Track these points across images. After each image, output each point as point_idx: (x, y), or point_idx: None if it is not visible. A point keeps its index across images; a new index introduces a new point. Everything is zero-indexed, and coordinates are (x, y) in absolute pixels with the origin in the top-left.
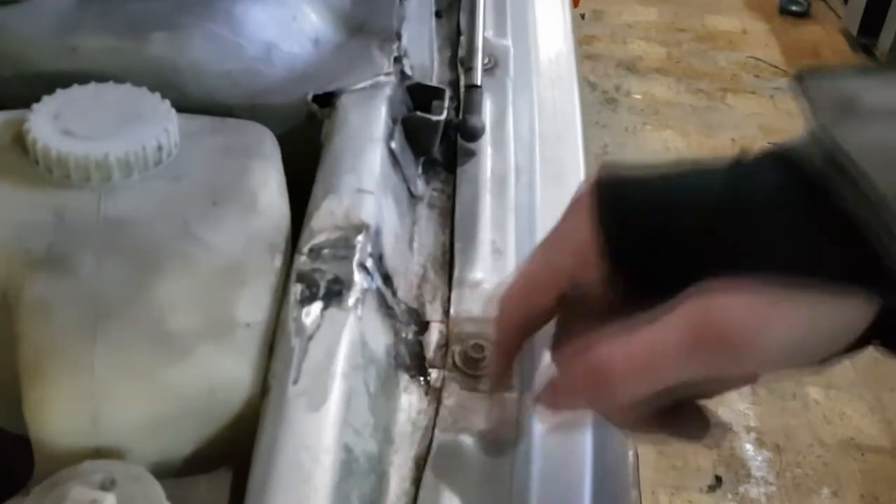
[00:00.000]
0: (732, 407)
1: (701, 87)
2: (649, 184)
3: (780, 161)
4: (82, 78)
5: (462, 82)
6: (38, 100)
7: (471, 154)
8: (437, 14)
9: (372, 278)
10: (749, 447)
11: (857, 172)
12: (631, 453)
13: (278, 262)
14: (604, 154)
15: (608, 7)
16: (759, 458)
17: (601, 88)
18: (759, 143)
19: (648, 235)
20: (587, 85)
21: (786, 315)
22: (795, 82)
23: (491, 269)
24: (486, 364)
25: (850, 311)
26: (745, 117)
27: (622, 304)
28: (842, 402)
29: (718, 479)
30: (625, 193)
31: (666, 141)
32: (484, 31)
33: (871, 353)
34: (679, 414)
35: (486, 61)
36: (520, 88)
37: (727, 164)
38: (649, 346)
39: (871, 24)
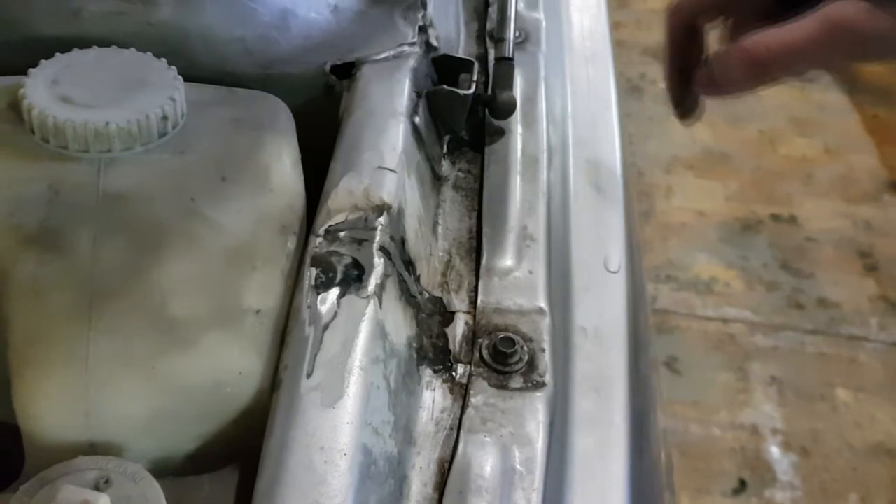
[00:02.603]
0: (758, 408)
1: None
2: None
3: None
4: (85, 43)
5: (491, 56)
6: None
7: (500, 133)
8: None
9: (393, 263)
10: (775, 450)
11: None
12: (664, 455)
13: (292, 244)
14: (628, 144)
15: None
16: (786, 462)
17: (625, 76)
18: (788, 134)
19: None
20: None
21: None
22: None
23: (521, 257)
24: (517, 359)
25: None
26: (774, 108)
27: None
28: (872, 406)
29: (743, 483)
30: None
31: (692, 132)
32: (516, 2)
33: None
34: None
35: (516, 35)
36: (552, 64)
37: None
38: (802, 35)
39: None
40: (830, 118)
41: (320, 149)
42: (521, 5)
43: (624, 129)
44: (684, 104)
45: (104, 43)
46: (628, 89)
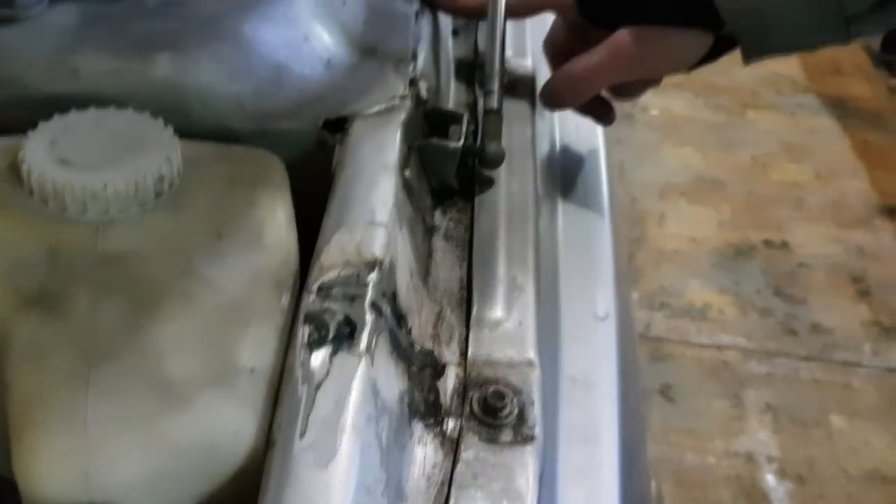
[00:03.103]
0: (754, 436)
1: (720, 103)
2: None
3: None
4: (83, 101)
5: (481, 105)
6: (36, 124)
7: (490, 182)
8: (455, 32)
9: (385, 319)
10: (771, 478)
11: None
12: (654, 486)
13: (285, 300)
14: (620, 171)
15: None
16: (782, 490)
17: (618, 104)
18: (779, 160)
19: None
20: None
21: (664, 44)
22: None
23: (511, 307)
24: (507, 412)
25: (699, 39)
26: (766, 134)
27: (587, 33)
28: (866, 432)
29: None
30: None
31: (684, 158)
32: (504, 49)
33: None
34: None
35: (505, 82)
36: (541, 110)
37: None
38: (594, 62)
39: (893, 41)
40: (821, 143)
41: (314, 202)
42: (509, 52)
43: (612, 173)
44: (593, 111)
45: (102, 100)
46: (620, 116)
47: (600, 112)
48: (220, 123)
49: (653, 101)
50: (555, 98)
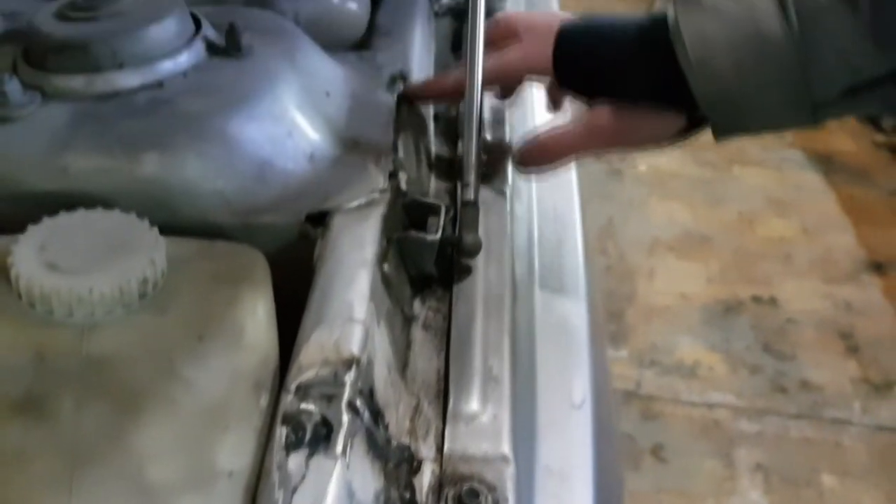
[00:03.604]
0: (745, 496)
1: (707, 159)
2: (589, 31)
3: (655, 26)
4: (73, 198)
5: (459, 195)
6: (28, 219)
7: (467, 270)
8: (436, 117)
9: (361, 418)
10: None
11: (682, 43)
12: None
13: (264, 401)
14: (609, 226)
15: None
16: None
17: (605, 160)
18: (766, 215)
19: (584, 67)
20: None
21: (639, 121)
22: None
23: (486, 400)
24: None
25: (673, 119)
26: (752, 189)
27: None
28: (857, 491)
29: None
30: (573, 36)
31: (672, 213)
32: (480, 141)
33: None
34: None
35: (482, 171)
36: (518, 194)
37: (638, 24)
38: (570, 135)
39: None
40: (807, 199)
41: (296, 293)
42: (488, 135)
43: (589, 255)
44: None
45: (92, 197)
46: (609, 171)
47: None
48: (206, 219)
49: (641, 157)
50: (527, 161)
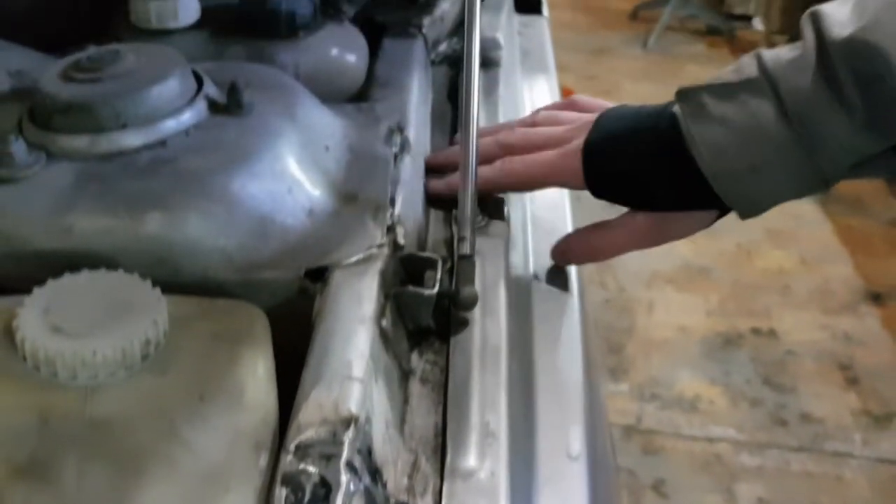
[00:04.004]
0: None
1: None
2: (610, 144)
3: (670, 134)
4: (77, 257)
5: (455, 249)
6: (32, 277)
7: (464, 323)
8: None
9: (360, 478)
10: None
11: (699, 154)
12: None
13: (264, 460)
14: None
15: None
16: None
17: None
18: (764, 247)
19: (613, 183)
20: None
21: (676, 221)
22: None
23: (483, 456)
24: None
25: (705, 215)
26: (751, 221)
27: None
28: None
29: None
30: (597, 150)
31: (670, 245)
32: (476, 195)
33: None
34: None
35: (480, 218)
36: (515, 244)
37: (654, 131)
38: (611, 237)
39: None
40: (805, 229)
41: (295, 347)
42: None
43: (584, 298)
44: None
45: (95, 256)
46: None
47: None
48: (207, 275)
49: None
50: (567, 258)
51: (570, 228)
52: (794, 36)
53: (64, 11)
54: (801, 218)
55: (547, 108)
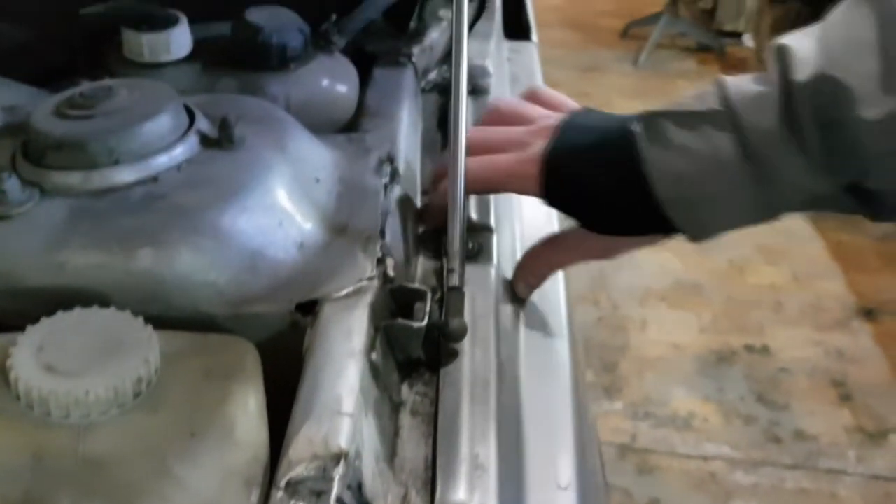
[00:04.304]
0: None
1: None
2: (576, 161)
3: (630, 158)
4: (70, 293)
5: (445, 281)
6: (26, 313)
7: (454, 354)
8: (425, 192)
9: None
10: None
11: (652, 178)
12: None
13: (255, 497)
14: (601, 277)
15: None
16: None
17: None
18: (755, 264)
19: (565, 185)
20: None
21: (622, 241)
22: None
23: (473, 489)
24: None
25: (653, 237)
26: (743, 237)
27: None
28: None
29: None
30: (558, 162)
31: (663, 263)
32: (465, 226)
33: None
34: None
35: (470, 247)
36: (504, 273)
37: (616, 151)
38: (575, 254)
39: None
40: (796, 245)
41: (287, 380)
42: (473, 214)
43: (574, 330)
44: None
45: (88, 292)
46: None
47: None
48: (199, 309)
49: None
50: (529, 286)
51: None
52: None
53: (58, 45)
54: (793, 234)
55: (509, 99)
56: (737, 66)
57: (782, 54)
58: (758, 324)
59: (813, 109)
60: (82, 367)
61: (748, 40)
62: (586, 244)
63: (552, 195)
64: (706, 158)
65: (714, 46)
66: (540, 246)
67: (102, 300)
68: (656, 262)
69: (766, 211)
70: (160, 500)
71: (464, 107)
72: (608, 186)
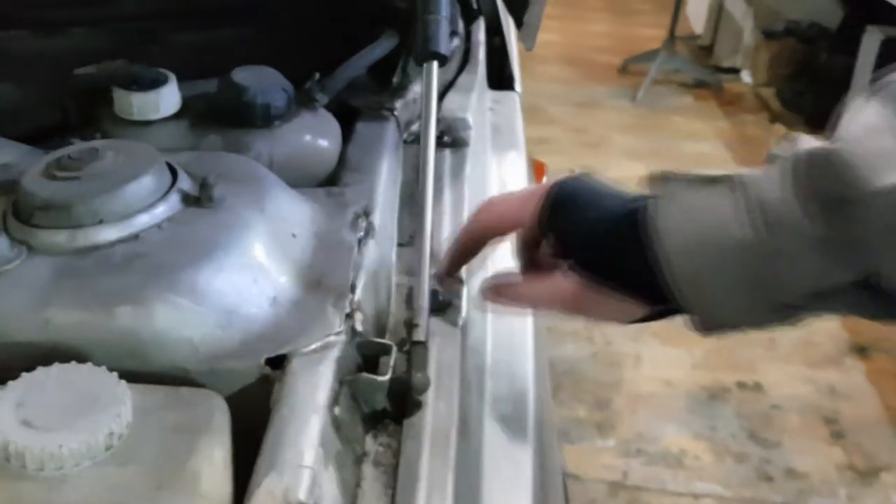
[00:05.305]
0: None
1: None
2: (580, 191)
3: (637, 216)
4: (53, 348)
5: (409, 335)
6: (9, 365)
7: (418, 405)
8: (401, 244)
9: None
10: None
11: (657, 240)
12: None
13: None
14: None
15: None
16: None
17: None
18: None
19: (565, 231)
20: None
21: (604, 299)
22: (654, 179)
23: None
24: None
25: (638, 307)
26: None
27: (551, 255)
28: None
29: None
30: (561, 203)
31: None
32: (432, 284)
33: None
34: None
35: (440, 299)
36: (473, 324)
37: (625, 204)
38: (534, 294)
39: None
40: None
41: (255, 433)
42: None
43: (541, 377)
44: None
45: (69, 348)
46: None
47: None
48: (175, 364)
49: None
50: (491, 299)
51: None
52: (779, 90)
53: (52, 104)
54: None
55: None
56: (733, 102)
57: (793, 139)
58: (750, 360)
59: (819, 183)
60: (58, 421)
61: (746, 76)
62: (559, 290)
63: (549, 219)
64: (713, 227)
65: (711, 82)
66: (518, 276)
67: (83, 356)
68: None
69: (770, 299)
70: None
71: (432, 166)
72: (612, 228)
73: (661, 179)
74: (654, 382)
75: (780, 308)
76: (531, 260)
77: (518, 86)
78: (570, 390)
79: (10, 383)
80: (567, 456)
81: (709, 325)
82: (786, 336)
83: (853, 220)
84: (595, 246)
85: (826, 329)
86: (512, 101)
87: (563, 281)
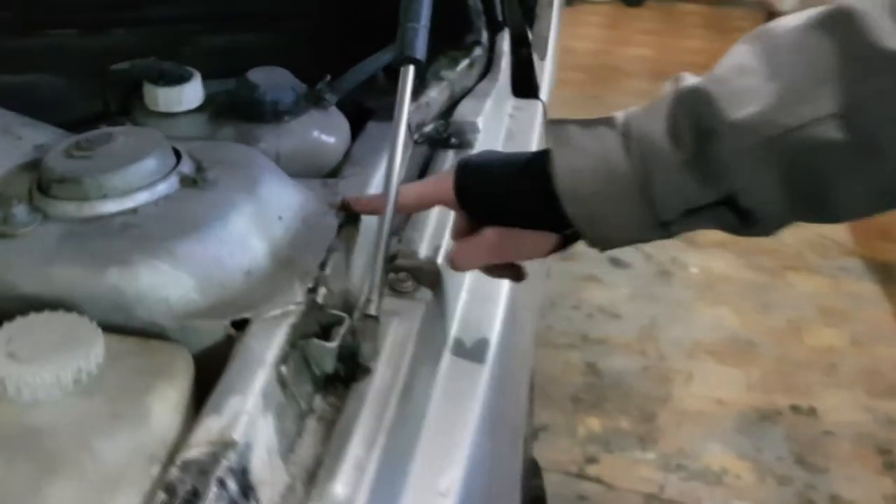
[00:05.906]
0: None
1: (762, 264)
2: (482, 166)
3: (536, 160)
4: (51, 301)
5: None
6: (11, 315)
7: (367, 372)
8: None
9: (227, 491)
10: None
11: (555, 175)
12: None
13: (155, 471)
14: (651, 327)
15: None
16: None
17: (656, 260)
18: (814, 325)
19: (477, 195)
20: (642, 256)
21: (520, 240)
22: (549, 125)
23: (350, 484)
24: None
25: (547, 237)
26: (805, 297)
27: (471, 221)
28: None
29: None
30: (469, 173)
31: (720, 318)
32: (385, 262)
33: None
34: (508, 268)
35: (408, 284)
36: (446, 311)
37: (524, 158)
38: (466, 250)
39: None
40: (861, 309)
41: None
42: (422, 253)
43: (510, 359)
44: (502, 275)
45: (66, 301)
46: (658, 272)
47: (509, 275)
48: (153, 321)
49: (693, 259)
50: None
51: (504, 297)
52: None
53: (93, 96)
54: (859, 297)
55: None
56: None
57: (678, 78)
58: (807, 385)
59: (691, 116)
60: (37, 356)
61: None
62: (484, 243)
63: (465, 198)
64: (598, 158)
65: None
66: (455, 249)
67: (78, 308)
68: (712, 316)
69: (651, 218)
70: (76, 466)
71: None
72: (514, 186)
73: (556, 124)
74: (703, 400)
75: (660, 225)
76: (459, 231)
77: (544, 94)
78: (615, 401)
79: (5, 324)
80: (604, 466)
81: (601, 242)
82: (848, 363)
83: (714, 147)
84: (503, 196)
85: (892, 358)
86: (534, 108)
87: (484, 237)
